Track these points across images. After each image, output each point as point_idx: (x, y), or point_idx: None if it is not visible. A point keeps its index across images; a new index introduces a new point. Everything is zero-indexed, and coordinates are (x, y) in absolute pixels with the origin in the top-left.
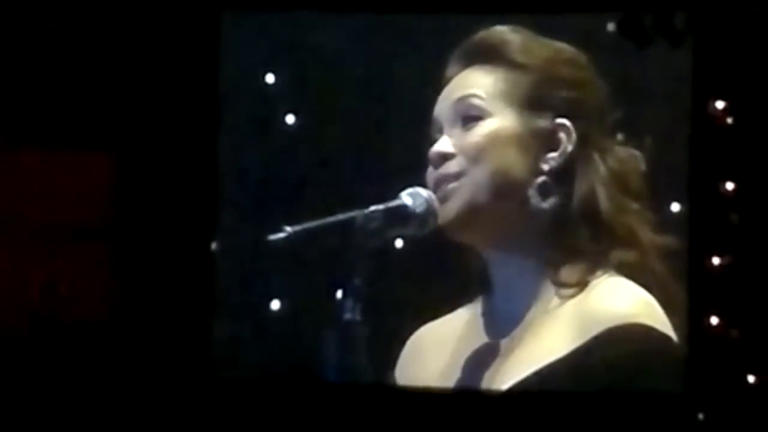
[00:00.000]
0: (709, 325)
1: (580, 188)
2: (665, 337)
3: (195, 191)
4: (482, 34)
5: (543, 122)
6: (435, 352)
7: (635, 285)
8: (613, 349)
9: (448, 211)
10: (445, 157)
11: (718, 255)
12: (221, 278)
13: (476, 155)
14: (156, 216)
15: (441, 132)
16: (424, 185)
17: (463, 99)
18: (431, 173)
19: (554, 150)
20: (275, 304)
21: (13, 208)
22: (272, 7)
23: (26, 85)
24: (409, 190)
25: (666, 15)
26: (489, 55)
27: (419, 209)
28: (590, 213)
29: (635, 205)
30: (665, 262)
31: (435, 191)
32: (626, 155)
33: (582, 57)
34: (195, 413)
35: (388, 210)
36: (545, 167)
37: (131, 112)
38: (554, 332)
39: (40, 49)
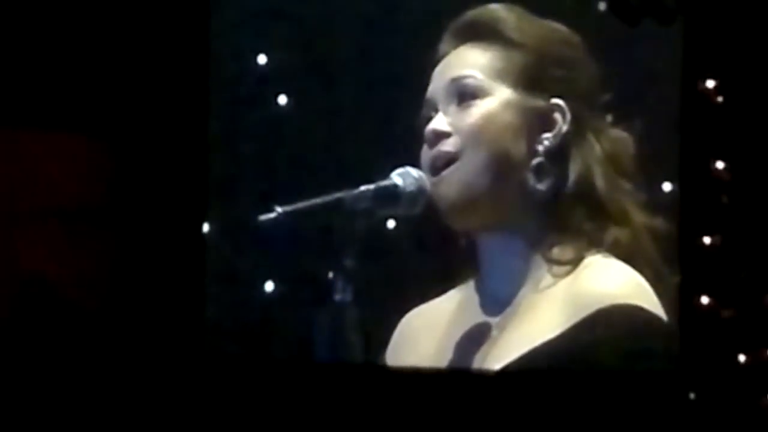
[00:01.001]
0: (700, 304)
1: (575, 168)
2: (656, 318)
3: (186, 173)
4: (476, 11)
5: (538, 102)
6: (425, 335)
7: (626, 266)
8: (605, 330)
9: (446, 196)
10: (441, 135)
11: (709, 234)
12: (212, 259)
13: (473, 135)
14: (146, 198)
15: (436, 110)
16: (415, 165)
17: (458, 79)
18: (426, 152)
19: (549, 130)
20: (267, 285)
21: (5, 194)
22: None
23: (12, 69)
24: (400, 170)
25: None
26: (483, 33)
27: (409, 189)
28: (586, 192)
29: (628, 185)
30: (656, 242)
31: (431, 170)
32: (618, 136)
33: (575, 37)
34: (187, 394)
35: (378, 189)
36: (540, 148)
37: (120, 95)
38: (546, 313)
39: (29, 34)
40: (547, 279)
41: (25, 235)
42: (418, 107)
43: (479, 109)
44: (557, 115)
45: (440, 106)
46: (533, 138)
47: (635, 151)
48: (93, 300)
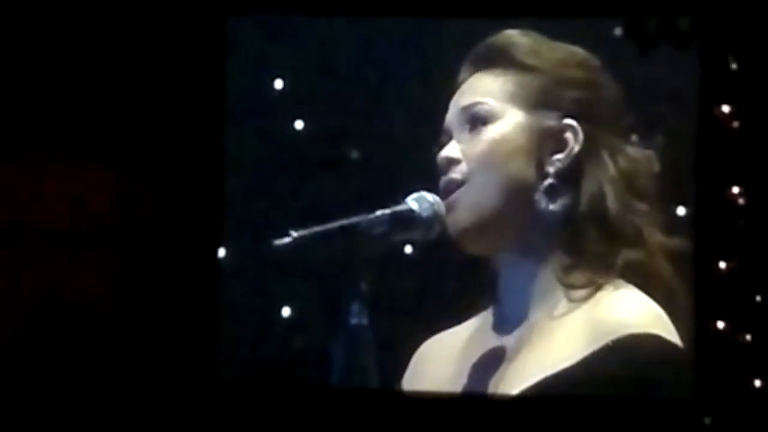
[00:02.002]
0: (716, 329)
1: (588, 187)
2: (673, 347)
3: (201, 198)
4: (491, 39)
5: (549, 122)
6: (442, 362)
7: (644, 295)
8: (622, 359)
9: (456, 221)
10: (451, 162)
11: (725, 259)
12: (228, 284)
13: (481, 161)
14: (163, 223)
15: (450, 138)
16: (430, 190)
17: (469, 107)
18: (441, 179)
19: (561, 151)
20: (282, 310)
21: (20, 215)
22: (278, 11)
23: (32, 90)
24: (415, 194)
25: (670, 18)
26: (497, 59)
27: (425, 214)
28: (598, 212)
29: (643, 206)
30: (672, 263)
31: (443, 196)
32: (638, 155)
33: (593, 60)
34: (203, 417)
35: (393, 214)
36: (551, 169)
37: (138, 121)
38: (562, 340)
39: (47, 56)
40: (563, 305)
41: (41, 256)
42: (435, 132)
43: (488, 133)
44: (569, 135)
45: (454, 134)
46: (544, 159)
47: (656, 172)
48: (108, 323)
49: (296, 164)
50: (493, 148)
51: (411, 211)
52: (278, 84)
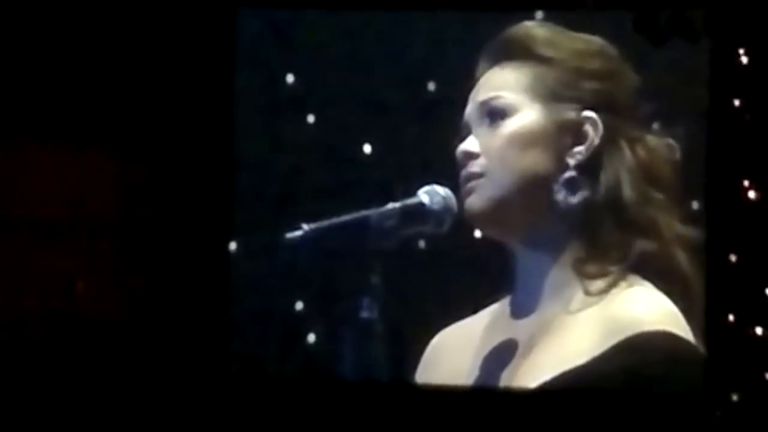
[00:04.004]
0: (728, 322)
1: (605, 178)
2: (687, 343)
3: (212, 191)
4: (508, 31)
5: (569, 115)
6: (456, 353)
7: (658, 292)
8: (636, 356)
9: (471, 205)
10: (470, 156)
11: (736, 252)
12: (238, 277)
13: (500, 155)
14: (174, 216)
15: (469, 133)
16: (442, 183)
17: (487, 101)
18: (461, 173)
19: (580, 143)
20: (293, 303)
21: (31, 208)
22: (289, 4)
23: (41, 84)
24: (426, 188)
25: (681, 12)
26: (514, 52)
27: (436, 207)
28: (614, 201)
29: (660, 195)
30: (687, 253)
31: (462, 187)
32: (658, 144)
33: (611, 49)
34: (213, 410)
35: (404, 208)
36: (572, 162)
37: (149, 113)
38: (578, 336)
39: (52, 50)
40: (579, 299)
41: (54, 250)
42: (446, 126)
43: (506, 128)
44: (588, 128)
45: (473, 128)
46: (564, 151)
47: (677, 161)
48: (116, 318)
49: (307, 158)
50: (511, 142)
51: (422, 204)
52: (290, 78)
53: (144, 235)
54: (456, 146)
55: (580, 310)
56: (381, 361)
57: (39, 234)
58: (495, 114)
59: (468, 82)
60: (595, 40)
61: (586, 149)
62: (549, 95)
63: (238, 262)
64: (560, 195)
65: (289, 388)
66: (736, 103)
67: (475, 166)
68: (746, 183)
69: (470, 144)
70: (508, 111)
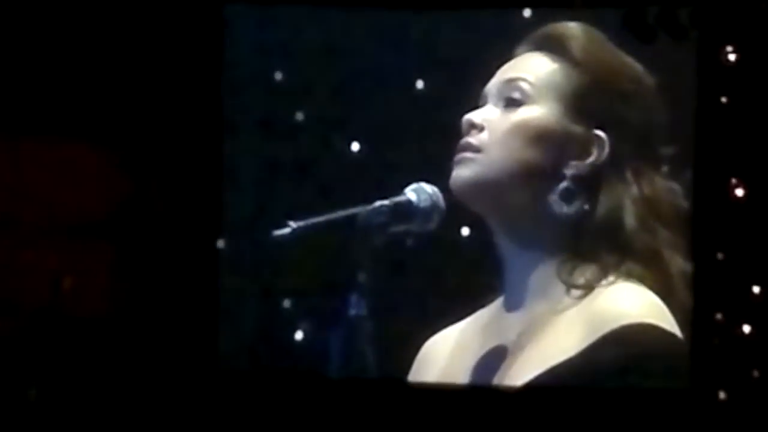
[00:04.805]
0: (715, 320)
1: (606, 199)
2: (671, 336)
3: (201, 188)
4: (554, 25)
5: (580, 128)
6: (446, 357)
7: (644, 288)
8: (622, 348)
9: (460, 176)
10: (473, 127)
11: (723, 251)
12: (227, 275)
13: (501, 136)
14: (162, 214)
15: (485, 104)
16: (429, 181)
17: (511, 81)
18: (460, 140)
19: (582, 158)
20: (281, 301)
21: (18, 207)
22: (277, 1)
23: (30, 81)
24: (414, 185)
25: (669, 9)
26: (552, 45)
27: (423, 205)
28: (613, 224)
29: (666, 233)
30: (689, 290)
31: (455, 154)
32: (664, 186)
33: (648, 78)
34: (201, 407)
35: (392, 205)
36: (568, 172)
37: (136, 110)
38: (563, 333)
39: (43, 45)
40: (566, 300)
41: (42, 249)
42: (435, 124)
43: (518, 114)
44: (595, 147)
45: (490, 101)
46: (563, 160)
47: (682, 205)
48: (107, 316)
49: (295, 155)
50: (517, 131)
51: (409, 202)
52: (278, 75)
53: (132, 231)
54: (444, 145)
55: (566, 308)
56: (369, 359)
57: (25, 231)
58: (513, 96)
59: (460, 79)
60: (635, 65)
61: (587, 165)
62: (568, 99)
63: (226, 259)
64: (554, 201)
65: (276, 386)
66: (723, 100)
67: (475, 139)
68: (734, 181)
69: (478, 115)
70: (525, 99)
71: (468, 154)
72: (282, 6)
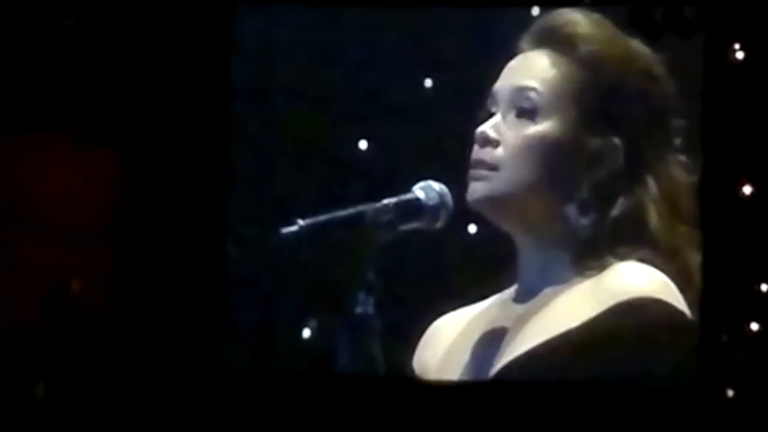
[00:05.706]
0: (724, 318)
1: (627, 205)
2: (679, 312)
3: (208, 186)
4: (560, 18)
5: (594, 138)
6: (451, 339)
7: (653, 268)
8: (629, 319)
9: (475, 192)
10: (488, 141)
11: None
12: (234, 273)
13: (517, 154)
14: (169, 212)
15: (497, 108)
16: (437, 179)
17: (522, 90)
18: (473, 152)
19: (600, 168)
20: (288, 299)
21: (25, 206)
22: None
23: (33, 80)
24: (422, 183)
25: (676, 7)
26: (561, 43)
27: (431, 203)
28: (636, 229)
29: (683, 227)
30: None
31: (471, 168)
32: (679, 170)
33: (657, 66)
34: (208, 406)
35: (400, 203)
36: (587, 184)
37: (144, 108)
38: (568, 304)
39: (47, 44)
40: (575, 279)
41: (48, 249)
42: (443, 122)
43: (532, 131)
44: (611, 155)
45: (501, 108)
46: (581, 173)
47: (695, 180)
48: (112, 315)
49: (303, 153)
50: (532, 147)
51: (417, 199)
52: (286, 74)
53: (137, 231)
54: (482, 117)
55: (574, 283)
56: (377, 356)
57: (33, 231)
58: (525, 108)
59: (457, 77)
60: (644, 53)
61: (606, 174)
62: (581, 109)
63: (233, 257)
64: (572, 214)
65: (284, 384)
66: (731, 98)
67: (489, 155)
68: (742, 179)
69: (492, 129)
70: (539, 111)
71: (484, 172)
72: (289, 4)
